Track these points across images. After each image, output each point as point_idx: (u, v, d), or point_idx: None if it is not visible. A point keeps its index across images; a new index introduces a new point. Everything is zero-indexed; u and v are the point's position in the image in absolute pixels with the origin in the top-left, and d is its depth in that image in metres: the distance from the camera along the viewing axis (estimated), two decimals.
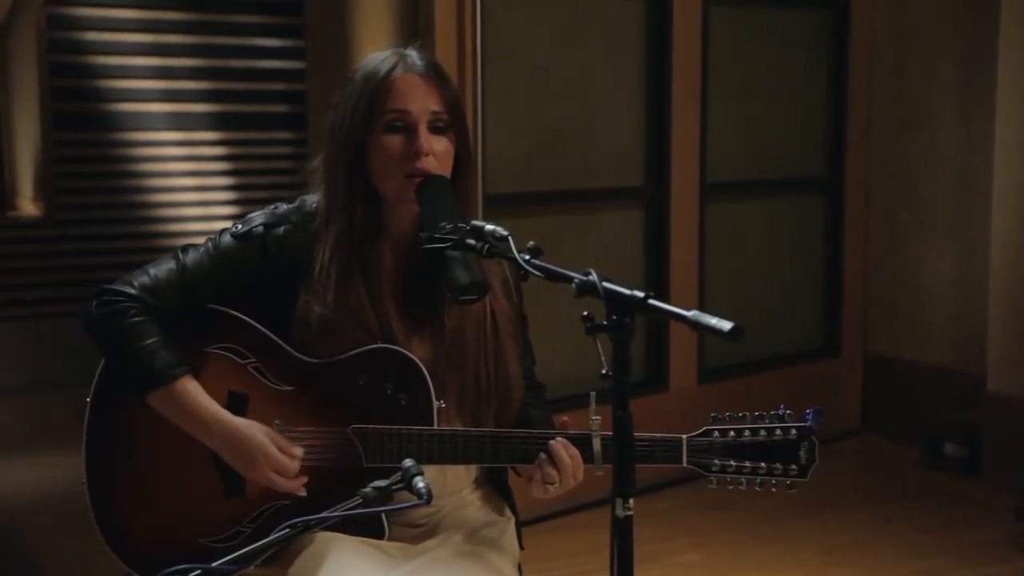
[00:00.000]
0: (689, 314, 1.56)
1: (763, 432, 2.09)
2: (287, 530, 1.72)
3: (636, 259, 4.76)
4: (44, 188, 6.73)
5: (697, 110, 4.76)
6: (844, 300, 5.45)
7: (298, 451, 2.06)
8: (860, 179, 5.44)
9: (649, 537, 4.18)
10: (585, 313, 1.66)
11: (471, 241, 1.92)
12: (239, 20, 6.69)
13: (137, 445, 2.13)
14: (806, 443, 2.10)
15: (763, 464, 2.10)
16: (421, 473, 1.79)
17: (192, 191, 6.65)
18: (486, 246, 1.90)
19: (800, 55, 5.28)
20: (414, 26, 4.04)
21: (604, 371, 1.65)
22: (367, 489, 1.76)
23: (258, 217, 2.17)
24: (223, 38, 6.65)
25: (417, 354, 2.12)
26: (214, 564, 1.67)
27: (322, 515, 1.77)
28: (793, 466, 2.11)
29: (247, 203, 6.36)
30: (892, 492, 4.77)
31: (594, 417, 2.05)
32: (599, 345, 1.66)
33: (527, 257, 1.83)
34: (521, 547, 2.32)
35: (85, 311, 2.10)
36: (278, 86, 6.72)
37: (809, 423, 2.10)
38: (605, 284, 1.67)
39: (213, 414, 2.05)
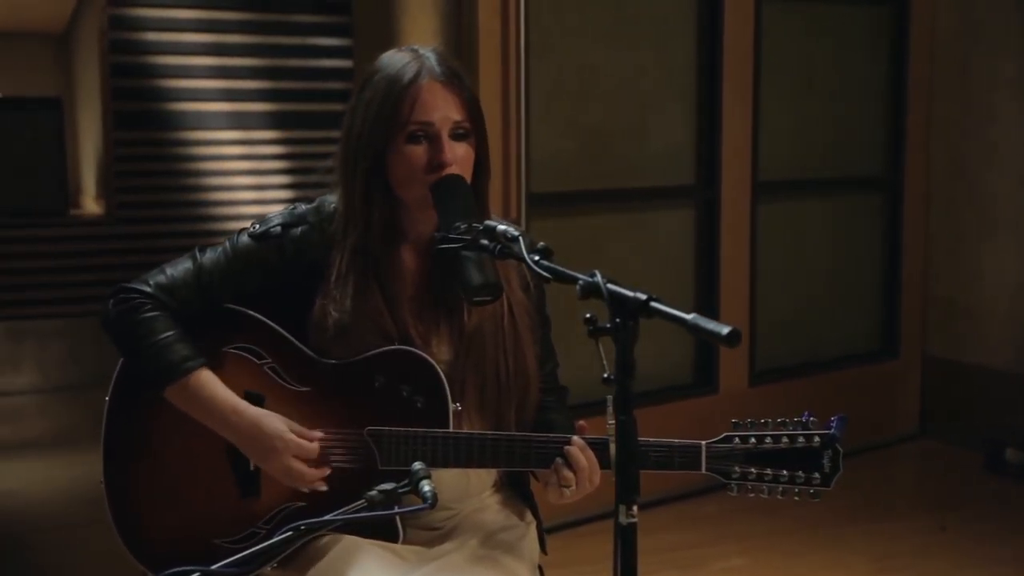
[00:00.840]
0: (688, 317, 1.53)
1: (785, 439, 2.04)
2: (290, 532, 1.72)
3: (686, 259, 4.70)
4: (106, 187, 6.82)
5: (749, 108, 4.70)
6: (903, 301, 5.34)
7: (317, 434, 2.04)
8: (920, 177, 5.33)
9: (695, 542, 4.14)
10: (588, 316, 1.62)
11: (484, 241, 1.89)
12: (298, 20, 6.71)
13: (154, 444, 2.13)
14: (830, 451, 2.05)
15: (785, 472, 2.05)
16: (428, 477, 1.77)
17: (250, 190, 6.69)
18: (498, 246, 1.87)
19: (857, 51, 5.19)
20: (458, 24, 4.02)
21: (605, 375, 1.61)
22: (373, 492, 1.75)
23: (276, 217, 2.16)
24: (282, 37, 6.68)
25: (437, 355, 2.10)
26: (214, 567, 1.67)
27: (325, 518, 1.75)
28: (816, 474, 2.06)
29: (305, 202, 6.39)
30: (949, 499, 4.67)
31: (611, 422, 2.01)
32: (601, 348, 1.62)
33: (537, 258, 1.80)
34: (544, 551, 2.29)
35: (103, 309, 2.11)
36: (336, 85, 6.74)
37: (833, 430, 2.04)
38: (609, 286, 1.63)
39: (231, 404, 2.04)
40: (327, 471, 2.04)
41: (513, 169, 3.99)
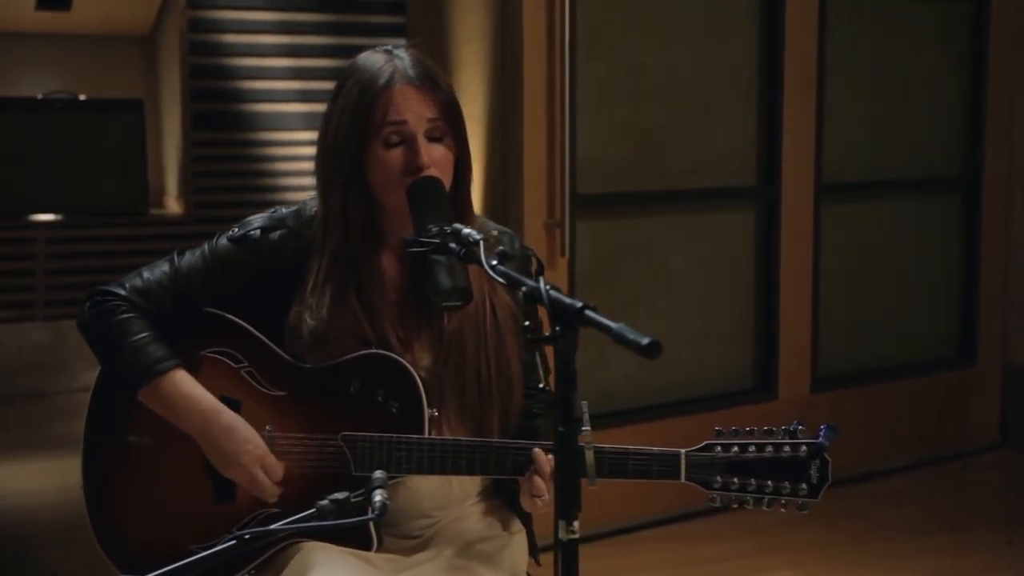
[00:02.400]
0: (614, 327, 1.46)
1: (770, 448, 1.97)
2: (233, 541, 1.69)
3: (746, 262, 4.58)
4: (185, 187, 6.93)
5: (812, 105, 4.56)
6: (980, 306, 5.14)
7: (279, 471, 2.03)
8: (1000, 177, 5.12)
9: (743, 552, 4.03)
10: (527, 323, 1.56)
11: (453, 245, 1.85)
12: (374, 21, 6.75)
13: (133, 450, 2.11)
14: (818, 461, 1.97)
15: (769, 482, 1.97)
16: (384, 487, 1.74)
17: None
18: (463, 250, 1.83)
19: (932, 46, 5.00)
20: (503, 21, 3.97)
21: (541, 384, 1.55)
22: (324, 502, 1.72)
23: (256, 220, 2.15)
24: (357, 39, 6.71)
25: (418, 360, 2.07)
26: None
27: (271, 527, 1.74)
28: (803, 485, 1.98)
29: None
30: (1021, 513, 4.47)
31: (584, 428, 1.95)
32: (537, 358, 1.56)
33: (494, 263, 1.74)
34: (537, 562, 2.24)
35: (79, 312, 2.11)
36: None
37: (821, 439, 1.96)
38: (551, 293, 1.57)
39: (208, 404, 2.02)
40: (279, 490, 2.02)
41: (558, 170, 3.92)
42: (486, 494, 2.20)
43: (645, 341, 1.41)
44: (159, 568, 1.87)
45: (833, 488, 4.68)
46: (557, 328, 1.54)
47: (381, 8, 6.70)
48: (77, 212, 6.83)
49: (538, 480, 1.96)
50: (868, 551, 4.04)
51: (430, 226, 1.90)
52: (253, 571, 2.07)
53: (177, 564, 1.65)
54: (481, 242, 1.80)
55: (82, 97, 7.21)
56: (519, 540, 2.18)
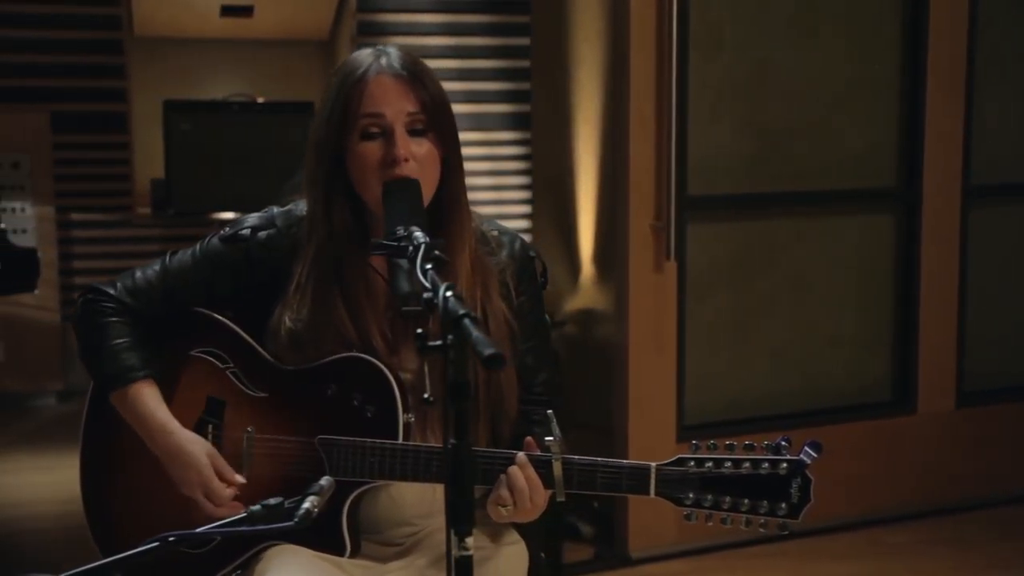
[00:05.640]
0: (474, 335, 1.39)
1: (747, 464, 1.84)
2: (156, 543, 1.68)
3: (883, 268, 4.35)
4: None
5: (960, 101, 4.30)
6: None
7: (238, 480, 2.01)
8: None
9: (862, 574, 3.80)
10: (419, 331, 1.50)
11: (410, 248, 1.80)
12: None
13: (126, 452, 2.13)
14: (799, 479, 1.83)
15: (746, 500, 1.84)
16: (318, 494, 1.70)
17: (490, 190, 6.75)
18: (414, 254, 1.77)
19: None
20: (614, 21, 3.88)
21: (426, 395, 1.49)
22: (256, 507, 1.70)
23: (249, 220, 2.15)
24: (522, 39, 6.70)
25: (405, 364, 2.02)
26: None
27: (197, 531, 1.71)
28: (783, 504, 1.85)
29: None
30: None
31: (548, 439, 1.87)
32: (426, 367, 1.50)
33: (428, 267, 1.68)
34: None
35: (74, 309, 2.15)
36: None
37: (802, 457, 1.82)
38: (448, 299, 1.50)
39: (160, 424, 2.03)
40: (236, 512, 2.00)
41: (665, 170, 3.80)
42: (479, 504, 2.14)
43: (486, 353, 1.34)
44: (158, 571, 1.89)
45: (975, 511, 4.42)
46: (449, 337, 1.47)
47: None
48: (250, 210, 7.02)
49: (503, 491, 1.90)
50: None
51: (397, 228, 1.85)
52: (238, 571, 2.08)
53: (93, 564, 1.66)
54: (422, 246, 1.74)
55: (260, 100, 7.45)
56: (512, 552, 2.10)
